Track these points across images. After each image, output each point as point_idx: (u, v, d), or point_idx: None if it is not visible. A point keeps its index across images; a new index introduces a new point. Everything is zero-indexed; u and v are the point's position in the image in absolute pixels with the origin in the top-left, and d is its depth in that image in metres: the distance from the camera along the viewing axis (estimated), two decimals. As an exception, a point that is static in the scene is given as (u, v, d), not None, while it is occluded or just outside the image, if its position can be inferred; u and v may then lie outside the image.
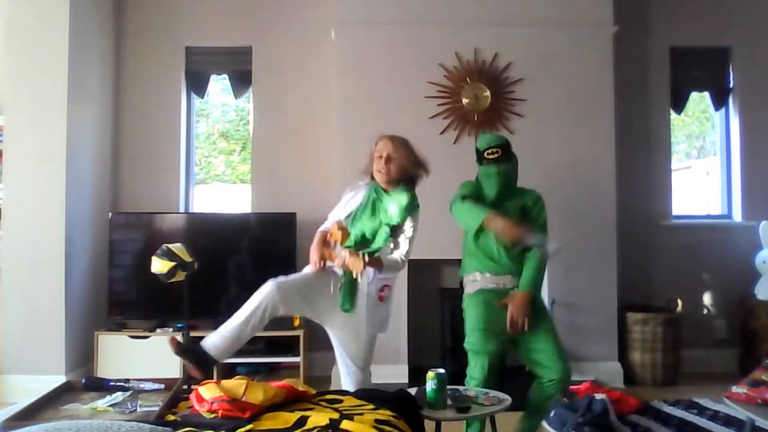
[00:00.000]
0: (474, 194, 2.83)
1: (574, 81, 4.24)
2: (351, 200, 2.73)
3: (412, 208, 2.61)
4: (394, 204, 2.59)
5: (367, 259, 2.43)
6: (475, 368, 2.68)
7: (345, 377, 2.66)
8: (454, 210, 2.84)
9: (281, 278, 2.46)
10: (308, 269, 2.62)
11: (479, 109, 4.21)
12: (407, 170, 2.67)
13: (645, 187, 4.65)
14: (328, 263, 2.58)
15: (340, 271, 2.58)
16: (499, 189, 2.78)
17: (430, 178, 4.12)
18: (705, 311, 4.64)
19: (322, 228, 2.75)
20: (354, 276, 2.47)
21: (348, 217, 2.68)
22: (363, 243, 2.58)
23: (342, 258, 2.49)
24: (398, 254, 2.58)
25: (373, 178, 2.72)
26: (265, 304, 2.41)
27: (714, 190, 4.92)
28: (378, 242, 2.57)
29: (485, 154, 2.79)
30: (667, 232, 4.65)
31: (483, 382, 2.64)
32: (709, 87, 4.78)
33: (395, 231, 2.60)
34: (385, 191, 2.65)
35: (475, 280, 2.81)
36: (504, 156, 2.78)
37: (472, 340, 2.72)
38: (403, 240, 2.60)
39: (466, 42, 4.23)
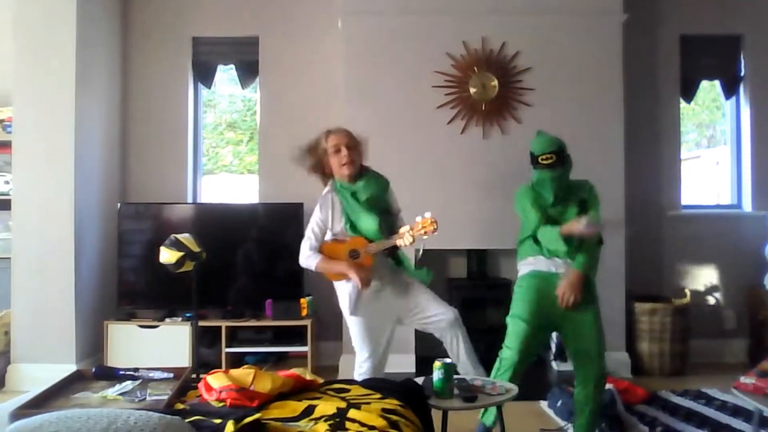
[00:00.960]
0: (537, 204, 2.84)
1: (583, 70, 4.20)
2: (333, 214, 2.84)
3: (386, 186, 2.89)
4: (370, 193, 2.80)
5: (428, 216, 2.65)
6: (512, 336, 2.72)
7: (448, 327, 2.81)
8: (541, 235, 2.83)
9: (366, 360, 2.80)
10: (349, 306, 2.83)
11: (487, 98, 4.19)
12: (362, 157, 2.88)
13: (654, 176, 4.61)
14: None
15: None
16: (555, 194, 2.80)
17: (437, 167, 4.15)
18: (713, 301, 4.61)
19: (313, 257, 2.85)
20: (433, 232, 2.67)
21: (348, 228, 2.82)
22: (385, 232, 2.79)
23: (411, 235, 2.67)
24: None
25: (327, 177, 2.89)
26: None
27: (724, 180, 4.88)
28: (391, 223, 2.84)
29: (539, 159, 2.78)
30: (676, 222, 4.62)
31: (517, 352, 2.67)
32: (720, 75, 4.72)
33: (389, 213, 2.86)
34: (351, 183, 2.82)
35: (529, 264, 2.86)
36: (558, 161, 2.77)
37: (515, 308, 2.78)
38: (399, 215, 2.94)
39: (473, 31, 4.20)
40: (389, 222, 2.83)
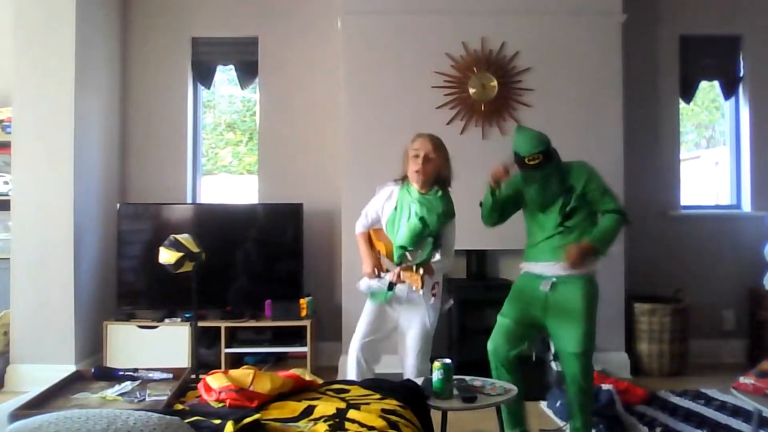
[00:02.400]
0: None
1: (583, 70, 4.20)
2: (386, 203, 2.80)
3: (447, 216, 2.72)
4: (427, 210, 2.68)
5: (422, 272, 2.57)
6: (494, 330, 2.82)
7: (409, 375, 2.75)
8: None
9: (359, 338, 2.75)
10: (363, 282, 2.81)
11: (486, 99, 4.19)
12: (442, 172, 2.73)
13: (653, 177, 4.61)
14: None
15: (386, 278, 2.72)
16: (544, 194, 2.72)
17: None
18: (713, 301, 4.61)
19: (360, 230, 2.88)
20: (415, 289, 2.63)
21: (386, 222, 2.79)
22: (408, 250, 2.72)
23: (396, 273, 2.64)
24: (444, 258, 2.76)
25: (405, 177, 2.77)
26: (362, 362, 2.73)
27: (723, 180, 4.89)
28: (425, 253, 2.72)
29: (526, 161, 2.64)
30: (676, 223, 4.62)
31: (493, 341, 2.76)
32: (719, 76, 4.72)
33: (437, 238, 2.73)
34: (419, 192, 2.72)
35: (525, 267, 2.91)
36: (546, 160, 2.63)
37: (503, 307, 2.85)
38: (445, 247, 2.77)
39: (472, 31, 4.20)
40: (425, 248, 2.73)
